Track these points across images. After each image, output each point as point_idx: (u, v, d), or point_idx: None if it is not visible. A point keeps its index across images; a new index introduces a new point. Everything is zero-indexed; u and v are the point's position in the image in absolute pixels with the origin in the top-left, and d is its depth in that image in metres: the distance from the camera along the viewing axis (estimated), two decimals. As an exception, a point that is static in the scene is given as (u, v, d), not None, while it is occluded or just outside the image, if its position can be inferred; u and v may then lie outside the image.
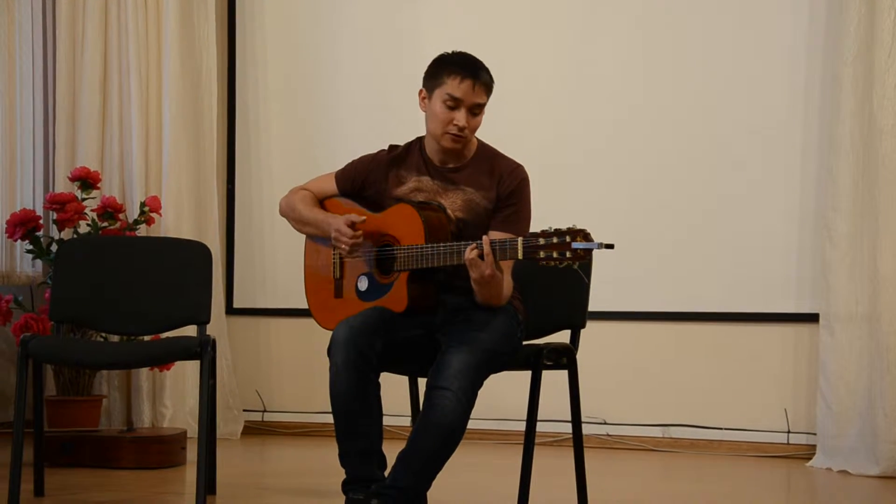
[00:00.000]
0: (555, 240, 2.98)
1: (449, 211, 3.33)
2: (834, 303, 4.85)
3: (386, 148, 3.48)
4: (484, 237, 3.10)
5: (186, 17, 5.62)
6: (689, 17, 5.38)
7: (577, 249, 2.95)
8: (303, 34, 5.98)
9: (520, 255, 3.03)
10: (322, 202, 3.51)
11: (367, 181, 3.45)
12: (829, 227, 4.88)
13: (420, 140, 3.44)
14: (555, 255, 2.97)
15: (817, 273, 5.03)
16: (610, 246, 2.96)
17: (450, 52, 3.35)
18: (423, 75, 3.36)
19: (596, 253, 3.02)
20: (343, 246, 3.32)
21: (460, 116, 3.25)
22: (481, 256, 3.08)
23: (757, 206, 5.25)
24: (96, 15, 5.45)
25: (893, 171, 4.71)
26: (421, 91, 3.35)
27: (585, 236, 2.96)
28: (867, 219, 4.77)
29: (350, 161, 3.52)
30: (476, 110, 3.28)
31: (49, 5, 5.50)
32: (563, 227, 2.98)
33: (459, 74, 3.25)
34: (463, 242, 3.16)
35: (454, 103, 3.26)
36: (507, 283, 3.25)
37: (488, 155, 3.40)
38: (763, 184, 5.24)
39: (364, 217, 3.32)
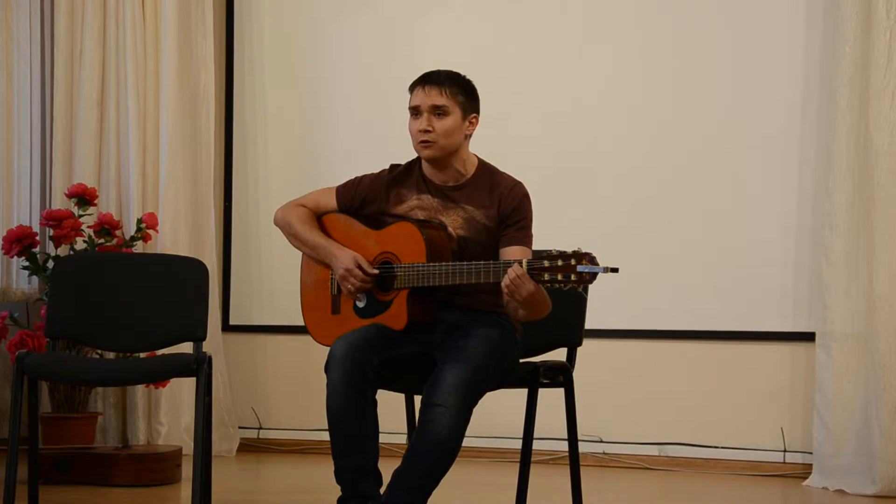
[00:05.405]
0: (559, 262, 2.98)
1: (450, 229, 3.34)
2: (830, 321, 4.85)
3: (387, 167, 3.50)
4: (514, 265, 3.06)
5: (184, 34, 5.62)
6: (688, 36, 5.40)
7: (582, 273, 2.96)
8: (301, 51, 5.99)
9: None
10: (320, 217, 3.52)
11: (367, 199, 3.47)
12: (826, 245, 4.88)
13: (419, 159, 3.46)
14: (559, 277, 2.98)
15: (814, 291, 5.03)
16: (615, 269, 2.96)
17: None
18: None
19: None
20: (349, 286, 3.33)
21: (422, 121, 3.32)
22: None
23: (753, 224, 5.25)
24: (94, 32, 5.46)
25: (889, 190, 4.71)
26: None
27: (591, 259, 2.97)
28: (863, 237, 4.77)
29: (352, 178, 3.53)
30: (438, 112, 3.32)
31: (47, 22, 5.51)
32: (569, 249, 2.99)
33: (413, 86, 3.38)
34: (465, 262, 3.18)
35: (415, 112, 3.36)
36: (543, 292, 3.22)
37: (487, 173, 3.42)
38: (760, 202, 5.25)
39: (377, 271, 3.33)
